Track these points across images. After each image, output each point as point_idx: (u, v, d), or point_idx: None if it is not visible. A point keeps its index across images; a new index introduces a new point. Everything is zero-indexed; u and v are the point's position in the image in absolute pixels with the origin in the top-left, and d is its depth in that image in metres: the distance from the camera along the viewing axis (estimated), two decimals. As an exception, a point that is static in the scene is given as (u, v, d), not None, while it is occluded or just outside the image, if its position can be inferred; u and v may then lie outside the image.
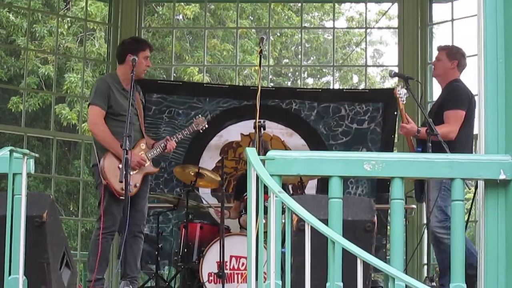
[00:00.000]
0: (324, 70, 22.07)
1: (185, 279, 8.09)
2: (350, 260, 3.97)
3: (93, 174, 6.91)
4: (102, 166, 6.62)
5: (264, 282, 4.23)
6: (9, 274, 4.69)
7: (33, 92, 16.48)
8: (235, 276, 7.77)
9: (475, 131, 4.90)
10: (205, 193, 9.66)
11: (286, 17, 19.84)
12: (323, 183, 8.82)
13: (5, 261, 4.67)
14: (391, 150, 9.75)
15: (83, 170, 11.00)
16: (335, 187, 4.34)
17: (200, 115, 7.87)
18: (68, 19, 16.85)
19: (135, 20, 10.32)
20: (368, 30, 16.24)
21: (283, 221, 4.42)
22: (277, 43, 20.21)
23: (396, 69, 10.03)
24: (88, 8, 13.76)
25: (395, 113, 9.47)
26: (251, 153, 4.33)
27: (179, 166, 8.93)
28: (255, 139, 6.70)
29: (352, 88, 19.80)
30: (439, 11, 10.98)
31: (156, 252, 8.47)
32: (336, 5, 17.25)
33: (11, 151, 4.67)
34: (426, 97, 9.78)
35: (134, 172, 6.70)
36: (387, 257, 9.20)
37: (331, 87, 16.37)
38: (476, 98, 5.59)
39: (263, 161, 4.31)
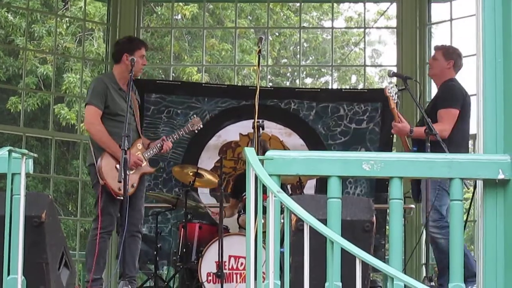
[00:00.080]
0: (322, 70, 22.08)
1: (184, 279, 8.09)
2: (349, 260, 3.97)
3: (89, 174, 6.91)
4: (99, 166, 6.62)
5: (263, 282, 4.23)
6: (8, 274, 4.68)
7: (31, 92, 16.47)
8: (234, 276, 7.77)
9: (474, 131, 4.90)
10: (203, 193, 9.67)
11: (285, 17, 19.85)
12: (322, 183, 8.83)
13: (4, 261, 4.67)
14: (390, 150, 9.75)
15: (81, 170, 11.00)
16: (333, 187, 4.34)
17: (195, 115, 7.87)
18: (67, 19, 16.83)
19: (134, 20, 10.32)
20: (367, 30, 16.23)
21: (282, 221, 4.42)
22: (275, 43, 20.22)
23: (394, 69, 10.03)
24: (87, 8, 13.76)
25: (394, 112, 9.47)
26: (249, 153, 4.33)
27: (178, 166, 8.93)
28: (253, 139, 6.70)
29: (351, 88, 19.81)
30: (437, 11, 10.99)
31: (155, 252, 8.48)
32: (335, 5, 17.26)
33: (10, 151, 4.67)
34: (425, 97, 9.78)
35: (131, 172, 6.70)
36: (386, 257, 9.20)
37: (330, 87, 16.37)
38: (473, 97, 5.59)
39: (261, 161, 4.31)
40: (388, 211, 8.28)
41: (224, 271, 7.58)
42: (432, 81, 7.94)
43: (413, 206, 9.11)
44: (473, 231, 11.81)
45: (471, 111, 6.88)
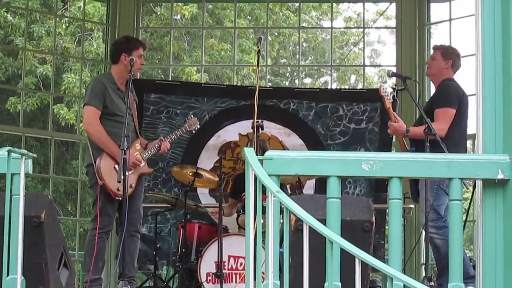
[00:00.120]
0: (322, 70, 22.08)
1: (183, 279, 8.09)
2: (348, 260, 3.97)
3: (87, 174, 6.91)
4: (98, 166, 6.62)
5: (262, 282, 4.23)
6: (7, 274, 4.69)
7: (31, 92, 16.46)
8: (233, 276, 7.78)
9: (473, 131, 4.89)
10: (203, 193, 9.68)
11: (284, 17, 19.84)
12: (321, 183, 8.84)
13: (3, 262, 4.67)
14: (389, 150, 9.75)
15: (81, 170, 11.01)
16: (333, 187, 4.34)
17: (192, 116, 7.87)
18: (66, 19, 16.83)
19: (133, 20, 10.33)
20: (366, 30, 16.22)
21: (281, 221, 4.43)
22: (275, 43, 20.22)
23: (394, 69, 10.03)
24: (86, 7, 13.77)
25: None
26: (249, 153, 4.33)
27: (177, 166, 8.93)
28: (253, 139, 6.70)
29: (350, 88, 19.81)
30: (437, 11, 11.00)
31: (154, 252, 8.48)
32: (334, 5, 17.26)
33: (9, 152, 4.67)
34: (424, 97, 9.78)
35: (130, 172, 6.69)
36: (385, 257, 9.20)
37: (329, 87, 16.36)
38: (473, 97, 5.59)
39: (261, 161, 4.31)
40: (387, 211, 8.28)
41: (224, 271, 7.58)
42: (431, 81, 7.95)
43: (412, 206, 9.11)
44: (473, 231, 11.82)
45: (470, 111, 6.88)
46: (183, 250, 8.00)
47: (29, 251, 5.05)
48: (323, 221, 4.15)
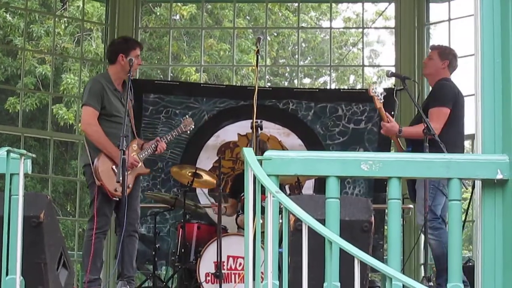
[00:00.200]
0: (321, 70, 22.08)
1: (183, 279, 8.09)
2: (348, 260, 3.97)
3: (84, 174, 6.90)
4: (96, 166, 6.62)
5: (262, 282, 4.23)
6: (7, 275, 4.68)
7: (30, 92, 16.46)
8: (233, 276, 7.77)
9: (472, 131, 4.89)
10: (202, 193, 9.67)
11: (283, 17, 19.85)
12: (320, 183, 8.83)
13: (2, 262, 4.67)
14: (388, 150, 9.74)
15: (80, 171, 10.98)
16: (332, 187, 4.34)
17: (187, 116, 7.87)
18: (65, 19, 16.83)
19: (132, 20, 10.33)
20: (365, 31, 16.23)
21: (280, 221, 4.43)
22: (274, 43, 20.21)
23: (393, 69, 10.04)
24: (85, 7, 13.77)
25: (392, 113, 9.45)
26: (248, 153, 4.33)
27: (176, 166, 8.93)
28: (252, 139, 6.70)
29: (349, 88, 19.81)
30: (436, 11, 11.00)
31: (154, 252, 8.47)
32: (333, 5, 17.25)
33: (8, 152, 4.67)
34: (423, 97, 9.76)
35: (127, 173, 6.69)
36: (385, 257, 9.20)
37: (328, 87, 16.36)
38: (472, 98, 5.59)
39: (260, 161, 4.31)
40: (386, 211, 8.28)
41: (223, 271, 7.58)
42: (427, 80, 7.96)
43: (411, 206, 9.11)
44: (472, 231, 11.82)
45: (469, 111, 6.88)
46: (182, 250, 8.00)
47: (28, 251, 5.05)
48: (322, 221, 4.15)
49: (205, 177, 8.57)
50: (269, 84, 17.92)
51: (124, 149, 6.18)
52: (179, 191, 9.20)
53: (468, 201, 7.73)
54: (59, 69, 16.95)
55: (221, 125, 9.95)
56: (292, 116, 9.93)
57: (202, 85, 11.46)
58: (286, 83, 21.97)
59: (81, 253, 8.81)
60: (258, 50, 6.92)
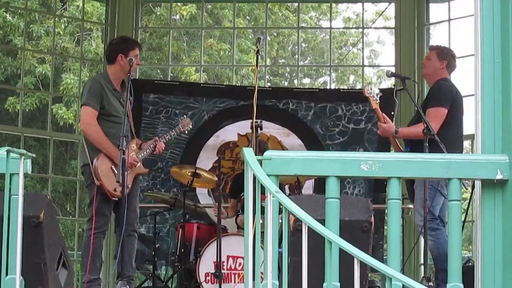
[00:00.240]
0: (320, 70, 22.08)
1: (182, 279, 8.09)
2: (347, 260, 3.97)
3: (83, 174, 6.90)
4: (95, 166, 6.61)
5: (261, 282, 4.23)
6: (6, 274, 4.68)
7: (30, 92, 16.46)
8: (232, 276, 7.78)
9: (472, 131, 4.89)
10: (202, 193, 9.67)
11: (283, 17, 19.85)
12: (320, 183, 8.83)
13: (2, 261, 4.67)
14: (388, 150, 9.73)
15: (79, 170, 10.98)
16: (332, 187, 4.34)
17: (185, 116, 7.86)
18: (65, 19, 16.83)
19: (132, 20, 10.32)
20: (365, 31, 16.23)
21: (280, 221, 4.42)
22: (274, 43, 20.22)
23: (393, 69, 10.04)
24: (85, 7, 13.76)
25: (392, 113, 9.44)
26: (248, 153, 4.33)
27: (176, 166, 8.94)
28: (252, 139, 6.70)
29: (349, 88, 19.82)
30: (436, 11, 11.00)
31: (153, 252, 8.47)
32: (333, 5, 17.26)
33: (8, 151, 4.67)
34: (423, 97, 9.76)
35: (127, 172, 6.69)
36: (384, 257, 9.20)
37: (328, 87, 16.36)
38: (471, 98, 5.59)
39: (260, 161, 4.31)
40: (386, 211, 8.29)
41: (222, 271, 7.58)
42: (426, 81, 7.96)
43: (411, 206, 9.09)
44: (472, 231, 11.81)
45: (469, 111, 6.87)
46: (182, 250, 8.00)
47: (28, 251, 5.05)
48: (322, 221, 4.15)
49: (205, 177, 8.57)
50: (269, 84, 17.93)
51: (124, 149, 6.18)
52: (179, 191, 9.20)
53: (468, 201, 7.73)
54: (59, 69, 16.95)
55: (221, 125, 9.95)
56: (292, 116, 9.93)
57: (202, 85, 11.46)
58: (286, 83, 21.98)
59: (81, 253, 8.83)
60: (258, 50, 6.92)
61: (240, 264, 7.73)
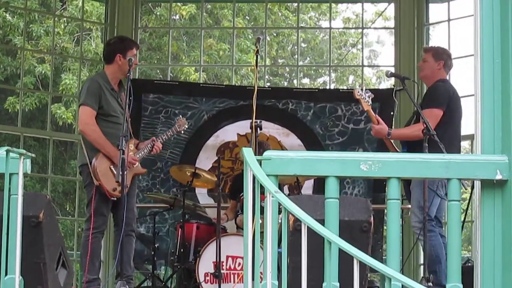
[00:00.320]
0: (320, 70, 22.08)
1: (182, 279, 8.09)
2: (347, 260, 3.97)
3: (81, 174, 6.89)
4: (94, 166, 6.60)
5: (261, 282, 4.23)
6: (6, 274, 4.68)
7: (29, 92, 16.46)
8: (232, 276, 7.77)
9: (472, 132, 4.89)
10: (201, 193, 9.67)
11: (283, 17, 19.85)
12: (320, 183, 8.82)
13: (1, 261, 4.67)
14: (388, 150, 9.74)
15: (78, 170, 10.98)
16: (331, 187, 4.34)
17: (181, 116, 7.86)
18: (65, 18, 16.83)
19: (132, 20, 10.32)
20: (365, 31, 16.23)
21: (280, 221, 4.42)
22: (273, 43, 20.21)
23: (392, 70, 10.04)
24: (84, 6, 13.77)
25: (392, 113, 9.46)
26: (247, 153, 4.33)
27: (176, 166, 8.93)
28: (251, 139, 6.70)
29: (349, 88, 19.82)
30: (435, 12, 11.00)
31: (153, 252, 8.47)
32: (333, 5, 17.25)
33: (7, 151, 4.67)
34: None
35: (125, 172, 6.68)
36: (384, 257, 9.20)
37: (328, 87, 16.36)
38: (471, 98, 5.59)
39: (259, 161, 4.31)
40: (385, 211, 8.29)
41: (222, 271, 7.58)
42: (424, 83, 7.96)
43: (410, 206, 9.11)
44: (471, 231, 11.81)
45: (469, 112, 6.87)
46: (181, 250, 8.00)
47: (27, 251, 5.05)
48: (322, 222, 4.15)
49: (205, 177, 8.57)
50: (268, 84, 17.92)
51: (124, 148, 6.18)
52: (179, 191, 9.20)
53: (467, 201, 7.72)
54: (58, 68, 16.94)
55: (221, 125, 9.95)
56: (291, 116, 9.93)
57: (201, 85, 11.47)
58: (285, 83, 21.97)
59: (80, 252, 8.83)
60: (257, 50, 6.92)
61: (239, 264, 7.72)
